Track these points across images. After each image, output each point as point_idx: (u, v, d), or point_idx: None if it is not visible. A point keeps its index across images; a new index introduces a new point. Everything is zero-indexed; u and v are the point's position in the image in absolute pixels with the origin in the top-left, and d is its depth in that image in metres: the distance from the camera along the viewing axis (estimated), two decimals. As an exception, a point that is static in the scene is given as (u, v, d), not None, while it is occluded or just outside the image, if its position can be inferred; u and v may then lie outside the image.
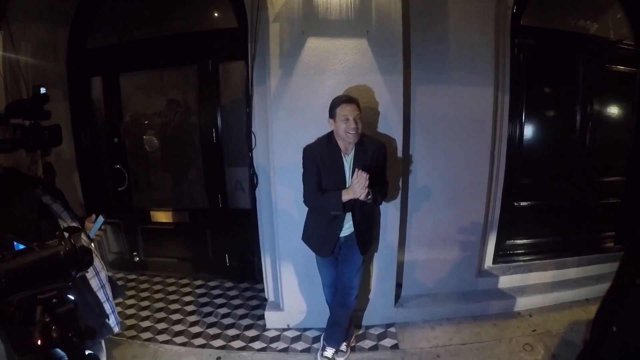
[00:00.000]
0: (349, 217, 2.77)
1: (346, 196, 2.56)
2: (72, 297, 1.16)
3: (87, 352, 1.17)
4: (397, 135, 3.14)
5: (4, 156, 1.70)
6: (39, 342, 1.00)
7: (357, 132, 2.56)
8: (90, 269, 2.01)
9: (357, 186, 2.46)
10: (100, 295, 2.11)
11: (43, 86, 1.69)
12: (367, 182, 2.45)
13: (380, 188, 2.73)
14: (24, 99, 1.71)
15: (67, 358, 1.07)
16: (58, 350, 1.05)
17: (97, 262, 2.13)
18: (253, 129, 3.46)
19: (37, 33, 3.80)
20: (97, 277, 2.09)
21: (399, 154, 3.18)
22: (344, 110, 2.55)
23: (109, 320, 2.16)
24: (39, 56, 3.80)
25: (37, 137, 1.68)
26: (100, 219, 2.16)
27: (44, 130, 1.69)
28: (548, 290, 3.80)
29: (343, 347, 3.12)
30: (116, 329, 2.23)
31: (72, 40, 4.11)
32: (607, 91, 4.04)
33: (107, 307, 2.14)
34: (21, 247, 1.09)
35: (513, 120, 3.77)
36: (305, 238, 2.96)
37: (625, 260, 1.45)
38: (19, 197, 1.78)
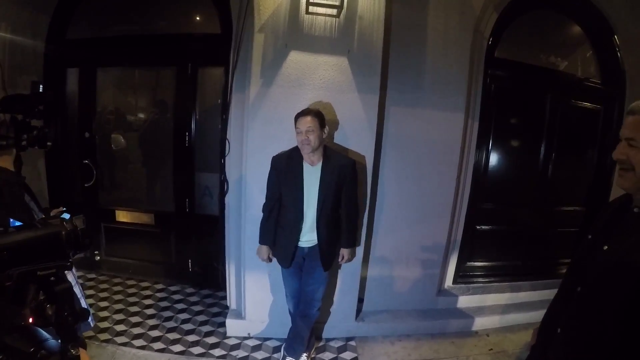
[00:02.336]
0: (311, 229, 2.83)
1: (261, 251, 2.97)
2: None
3: None
4: (369, 153, 3.21)
5: None
6: (30, 320, 0.99)
7: (310, 144, 2.64)
8: None
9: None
10: (77, 290, 2.12)
11: (41, 83, 1.68)
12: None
13: (349, 225, 2.95)
14: (22, 94, 1.67)
15: (51, 340, 1.05)
16: (42, 331, 1.04)
17: None
18: (228, 136, 3.48)
19: (18, 16, 3.72)
20: (72, 273, 2.08)
21: (369, 171, 3.26)
22: (298, 123, 2.67)
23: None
24: (17, 40, 3.71)
25: (30, 136, 1.67)
26: (66, 214, 2.17)
27: (43, 129, 1.70)
28: (505, 312, 3.93)
29: (303, 357, 3.13)
30: (92, 324, 2.32)
31: (53, 28, 4.02)
32: (572, 125, 4.22)
33: (83, 302, 2.17)
34: (17, 224, 1.08)
35: (480, 147, 3.91)
36: (273, 248, 3.00)
37: (569, 270, 1.56)
38: (8, 201, 1.74)
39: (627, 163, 1.28)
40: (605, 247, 1.34)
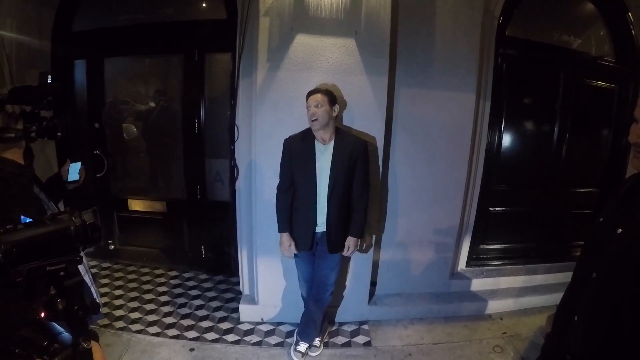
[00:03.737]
0: (323, 211, 2.82)
1: (283, 241, 2.90)
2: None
3: None
4: (379, 136, 3.18)
5: (1, 146, 1.63)
6: (42, 315, 1.00)
7: (318, 119, 2.64)
8: None
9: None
10: (87, 279, 2.12)
11: (49, 74, 1.65)
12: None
13: (358, 211, 2.88)
14: (30, 86, 1.63)
15: (65, 334, 1.06)
16: (56, 325, 1.05)
17: None
18: (236, 122, 3.46)
19: (23, 10, 3.72)
20: (82, 262, 2.10)
21: (380, 154, 3.23)
22: (308, 101, 2.70)
23: None
24: (23, 34, 3.72)
25: (39, 127, 1.66)
26: (77, 164, 2.23)
27: (53, 120, 1.69)
28: (519, 295, 3.90)
29: (316, 342, 3.15)
30: (102, 313, 2.26)
31: (58, 21, 4.03)
32: (585, 105, 4.13)
33: (93, 291, 2.17)
34: (28, 220, 1.08)
35: (492, 127, 3.84)
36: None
37: (583, 255, 1.52)
38: (16, 193, 1.73)
39: None
40: (619, 231, 1.29)
